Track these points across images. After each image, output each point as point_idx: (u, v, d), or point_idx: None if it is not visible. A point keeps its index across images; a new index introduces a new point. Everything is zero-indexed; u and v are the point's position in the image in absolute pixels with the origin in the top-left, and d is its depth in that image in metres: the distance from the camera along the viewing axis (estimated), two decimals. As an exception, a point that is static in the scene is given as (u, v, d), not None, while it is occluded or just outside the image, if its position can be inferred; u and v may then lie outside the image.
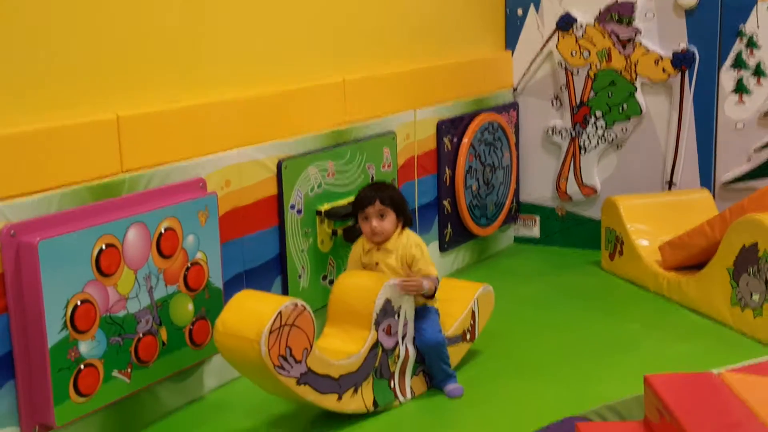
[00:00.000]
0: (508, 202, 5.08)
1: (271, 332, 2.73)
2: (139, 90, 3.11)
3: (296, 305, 2.83)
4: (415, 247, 3.24)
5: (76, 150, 2.83)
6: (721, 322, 3.86)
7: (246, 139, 3.46)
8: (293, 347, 2.82)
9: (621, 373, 3.40)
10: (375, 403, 3.13)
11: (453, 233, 4.72)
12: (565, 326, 3.96)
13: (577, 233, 5.12)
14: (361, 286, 3.17)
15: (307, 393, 2.89)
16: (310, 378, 2.88)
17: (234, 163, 3.39)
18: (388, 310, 3.14)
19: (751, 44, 4.55)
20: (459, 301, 3.53)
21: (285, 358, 2.79)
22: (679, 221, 4.32)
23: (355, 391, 3.05)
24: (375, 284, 3.12)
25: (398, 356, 3.20)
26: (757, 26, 4.52)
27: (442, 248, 4.68)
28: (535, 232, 5.27)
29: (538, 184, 5.20)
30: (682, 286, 4.11)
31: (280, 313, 2.76)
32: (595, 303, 4.28)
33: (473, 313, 3.55)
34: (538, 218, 5.25)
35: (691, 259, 4.14)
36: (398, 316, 3.18)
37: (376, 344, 3.11)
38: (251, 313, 2.81)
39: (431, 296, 3.27)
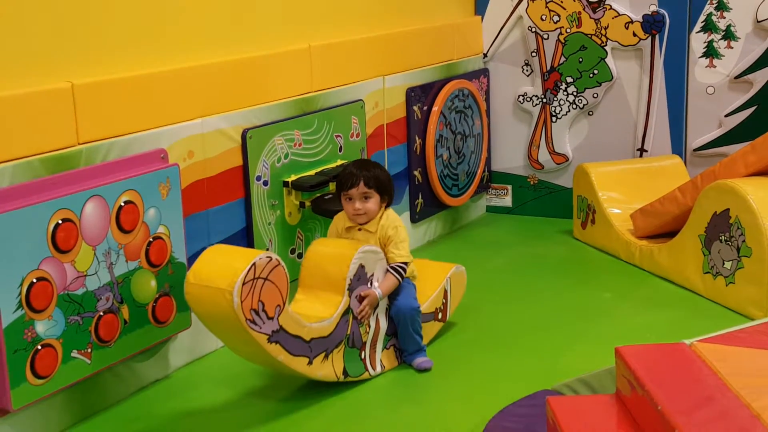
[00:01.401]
0: (479, 172, 5.02)
1: (244, 283, 2.66)
2: (96, 57, 2.99)
3: (271, 258, 2.77)
4: (391, 228, 3.18)
5: (29, 120, 2.71)
6: (693, 290, 3.84)
7: (209, 108, 3.36)
8: (266, 302, 2.75)
9: (593, 343, 3.38)
10: (345, 372, 3.08)
11: (424, 204, 4.66)
12: (537, 297, 3.93)
13: (550, 202, 5.08)
14: (335, 251, 3.12)
15: (278, 352, 2.82)
16: (281, 336, 2.81)
17: (197, 133, 3.29)
18: (362, 276, 3.09)
19: (722, 6, 4.49)
20: (431, 280, 3.48)
21: (257, 312, 2.72)
22: (651, 188, 4.30)
23: (326, 356, 3.00)
24: (349, 250, 3.08)
25: (369, 326, 3.16)
26: None
27: (414, 219, 4.61)
28: (507, 201, 5.22)
29: (509, 152, 5.14)
30: (654, 254, 4.08)
31: (254, 264, 2.69)
32: (567, 272, 4.26)
33: (445, 292, 3.51)
34: (510, 187, 5.19)
35: (663, 226, 4.11)
36: (371, 283, 3.13)
37: (348, 311, 3.06)
38: (224, 264, 2.74)
39: (399, 280, 3.21)
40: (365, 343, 3.15)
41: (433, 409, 2.96)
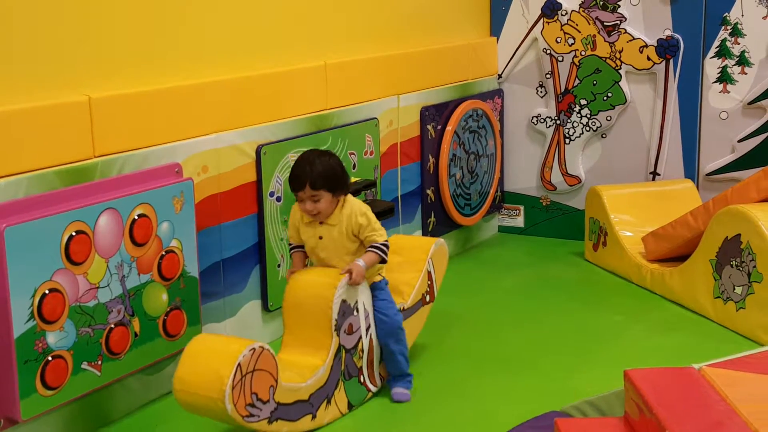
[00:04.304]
0: (492, 191, 5.03)
1: (233, 388, 2.58)
2: (113, 71, 3.02)
3: (254, 350, 2.66)
4: (360, 216, 3.02)
5: (46, 133, 2.74)
6: (703, 315, 3.83)
7: (224, 123, 3.39)
8: (259, 391, 2.67)
9: (602, 366, 3.37)
10: (350, 405, 3.05)
11: (436, 222, 4.67)
12: (547, 318, 3.92)
13: (562, 223, 5.08)
14: (314, 293, 2.98)
15: (281, 426, 2.76)
16: (280, 412, 2.76)
17: (211, 148, 3.32)
18: (346, 311, 2.99)
19: (736, 32, 4.50)
20: (413, 264, 3.41)
21: (252, 405, 2.65)
22: (663, 212, 4.29)
23: (329, 402, 2.95)
24: (328, 290, 2.95)
25: (362, 350, 3.09)
26: (742, 14, 4.48)
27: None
28: (519, 221, 5.22)
29: (522, 173, 5.15)
30: (665, 278, 4.07)
31: (239, 365, 2.60)
32: (577, 294, 4.25)
33: (429, 273, 3.46)
34: (522, 208, 5.20)
35: (674, 250, 4.10)
36: (357, 311, 3.05)
37: (339, 349, 2.99)
38: (208, 368, 2.63)
39: (384, 261, 3.09)
40: (361, 367, 3.10)
41: (441, 425, 2.95)
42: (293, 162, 3.12)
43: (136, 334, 2.99)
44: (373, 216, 3.08)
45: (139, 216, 2.96)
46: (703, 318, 3.81)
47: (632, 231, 4.41)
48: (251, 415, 2.65)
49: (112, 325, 2.89)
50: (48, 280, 2.65)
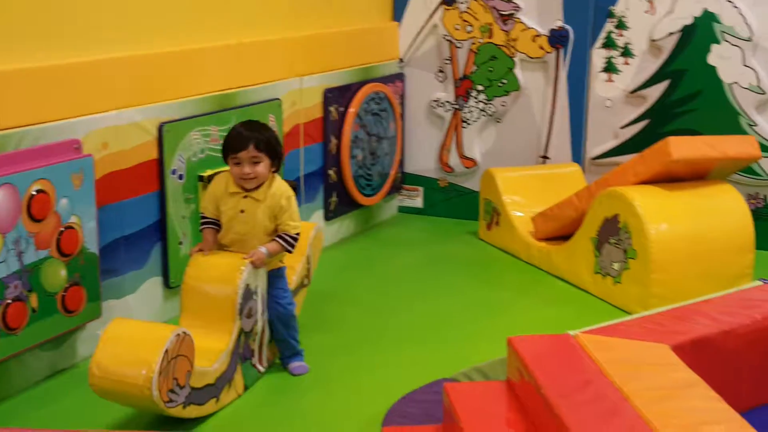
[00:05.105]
0: (392, 173, 5.18)
1: (160, 374, 2.58)
2: (11, 45, 3.00)
3: (178, 336, 2.66)
4: (284, 199, 3.06)
5: (-59, 107, 2.72)
6: (584, 289, 4.08)
7: (126, 100, 3.40)
8: (179, 376, 2.70)
9: (491, 336, 3.54)
10: (245, 387, 3.11)
11: (338, 202, 4.78)
12: (442, 293, 4.10)
13: (458, 204, 5.27)
14: (218, 276, 2.98)
15: (192, 411, 2.78)
16: (193, 397, 2.78)
17: (112, 125, 3.33)
18: (247, 295, 3.03)
19: (621, 25, 4.77)
20: (295, 249, 3.41)
21: (173, 391, 2.67)
22: (552, 194, 4.51)
23: (230, 385, 3.00)
24: (234, 274, 2.95)
25: (257, 333, 3.13)
26: (627, 8, 4.75)
27: (327, 217, 4.73)
28: (418, 202, 5.40)
29: (422, 155, 5.32)
30: (552, 255, 4.32)
31: (166, 351, 2.60)
32: (471, 271, 4.45)
33: (308, 258, 3.55)
34: (421, 189, 5.37)
35: (561, 230, 4.35)
36: (256, 295, 3.09)
37: (240, 332, 3.03)
38: (131, 354, 2.61)
39: (290, 251, 3.12)
40: (254, 350, 3.14)
41: (338, 398, 3.07)
42: (227, 133, 3.13)
43: (33, 310, 2.99)
44: (295, 204, 3.11)
45: (37, 192, 2.96)
46: (584, 292, 4.07)
47: (523, 211, 4.64)
48: (171, 401, 2.66)
49: (9, 301, 2.89)
50: (-56, 253, 2.64)
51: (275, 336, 3.23)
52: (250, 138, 3.00)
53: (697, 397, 2.20)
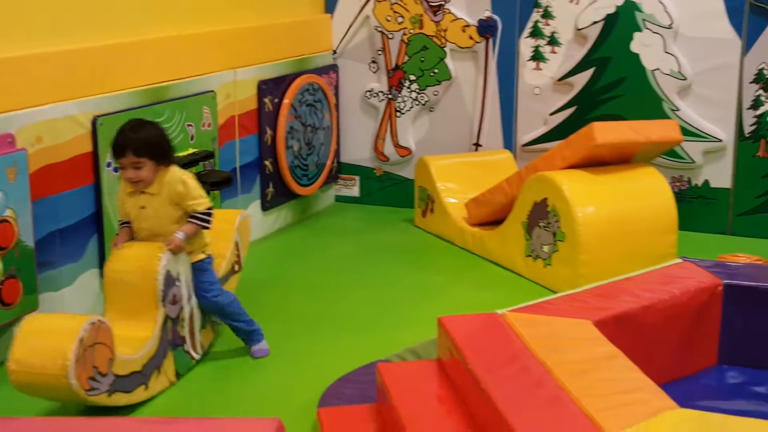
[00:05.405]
0: (328, 163, 5.24)
1: (76, 362, 2.60)
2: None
3: (93, 324, 2.68)
4: (179, 184, 3.06)
5: None
6: (517, 272, 4.22)
7: (60, 94, 3.40)
8: (99, 364, 2.71)
9: (427, 320, 3.60)
10: (177, 374, 3.14)
11: (275, 192, 4.83)
12: (379, 280, 4.19)
13: (394, 192, 5.37)
14: (138, 265, 3.02)
15: (119, 398, 2.82)
16: (118, 384, 2.81)
17: (46, 119, 3.33)
18: (170, 282, 3.05)
19: (547, 15, 4.92)
20: (222, 235, 3.51)
21: (93, 378, 2.69)
22: (484, 180, 4.64)
23: (159, 372, 3.03)
24: (153, 262, 2.99)
25: (184, 319, 3.17)
26: None
27: (264, 207, 4.78)
28: (354, 191, 5.48)
29: (357, 145, 5.40)
30: (485, 240, 4.45)
31: (80, 339, 2.62)
32: (407, 257, 4.55)
33: (237, 244, 3.60)
34: (357, 178, 5.46)
35: (493, 214, 4.48)
36: (179, 281, 3.11)
37: (166, 319, 3.06)
38: (47, 346, 2.61)
39: (206, 227, 3.14)
40: (184, 336, 3.17)
41: (275, 383, 3.14)
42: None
43: (-31, 304, 2.99)
44: (193, 183, 3.11)
45: (-30, 186, 2.95)
46: (516, 275, 4.21)
47: (456, 198, 4.75)
48: (92, 389, 2.69)
49: (-56, 295, 2.88)
50: None
51: (228, 325, 3.29)
52: (127, 145, 3.01)
53: (617, 368, 2.33)
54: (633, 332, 2.78)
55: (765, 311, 3.01)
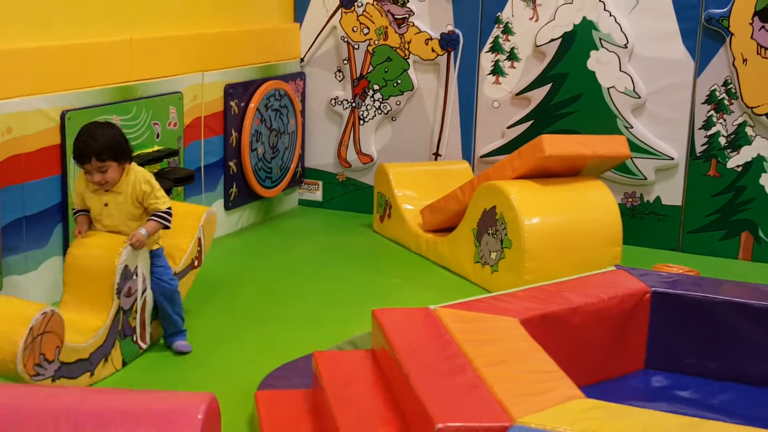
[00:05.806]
0: (292, 167, 5.39)
1: (24, 349, 2.68)
2: None
3: (45, 314, 2.76)
4: (144, 184, 3.19)
5: None
6: (466, 277, 4.37)
7: (31, 88, 3.53)
8: (46, 351, 2.79)
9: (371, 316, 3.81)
10: (123, 362, 3.25)
11: (238, 193, 4.97)
12: (334, 280, 4.34)
13: (356, 198, 5.53)
14: (98, 257, 3.11)
15: (62, 384, 2.88)
16: (63, 371, 2.89)
17: (16, 111, 3.46)
18: (127, 275, 3.16)
19: (507, 30, 5.11)
20: (185, 230, 3.61)
21: (39, 365, 2.77)
22: (441, 188, 4.78)
23: (106, 360, 3.13)
24: (112, 256, 3.08)
25: (136, 311, 3.27)
26: (512, 14, 5.07)
27: (227, 206, 4.92)
28: (317, 195, 5.63)
29: (321, 150, 5.56)
30: (437, 245, 4.60)
31: (31, 328, 2.70)
32: (363, 260, 4.69)
33: (199, 240, 3.70)
34: (320, 183, 5.61)
35: (447, 221, 4.63)
36: (136, 275, 3.22)
37: (118, 310, 3.16)
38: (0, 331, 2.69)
39: (166, 227, 3.27)
40: (135, 327, 3.28)
41: (218, 371, 3.25)
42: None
43: (-69, 287, 3.09)
44: (156, 183, 3.24)
45: (-64, 172, 3.06)
46: (465, 280, 4.36)
47: (413, 205, 4.91)
48: (38, 374, 2.78)
49: None
50: None
51: (160, 314, 3.39)
52: (90, 152, 3.09)
53: (534, 361, 2.47)
54: (559, 332, 2.91)
55: (691, 319, 3.15)
